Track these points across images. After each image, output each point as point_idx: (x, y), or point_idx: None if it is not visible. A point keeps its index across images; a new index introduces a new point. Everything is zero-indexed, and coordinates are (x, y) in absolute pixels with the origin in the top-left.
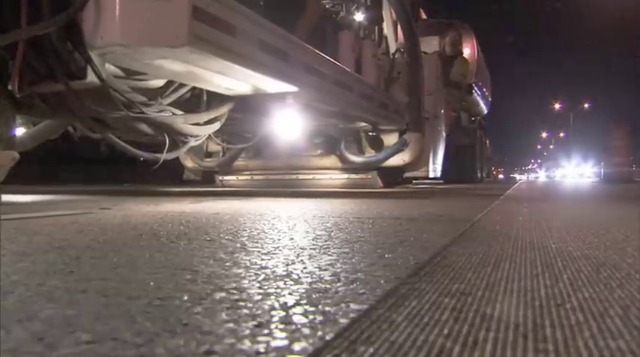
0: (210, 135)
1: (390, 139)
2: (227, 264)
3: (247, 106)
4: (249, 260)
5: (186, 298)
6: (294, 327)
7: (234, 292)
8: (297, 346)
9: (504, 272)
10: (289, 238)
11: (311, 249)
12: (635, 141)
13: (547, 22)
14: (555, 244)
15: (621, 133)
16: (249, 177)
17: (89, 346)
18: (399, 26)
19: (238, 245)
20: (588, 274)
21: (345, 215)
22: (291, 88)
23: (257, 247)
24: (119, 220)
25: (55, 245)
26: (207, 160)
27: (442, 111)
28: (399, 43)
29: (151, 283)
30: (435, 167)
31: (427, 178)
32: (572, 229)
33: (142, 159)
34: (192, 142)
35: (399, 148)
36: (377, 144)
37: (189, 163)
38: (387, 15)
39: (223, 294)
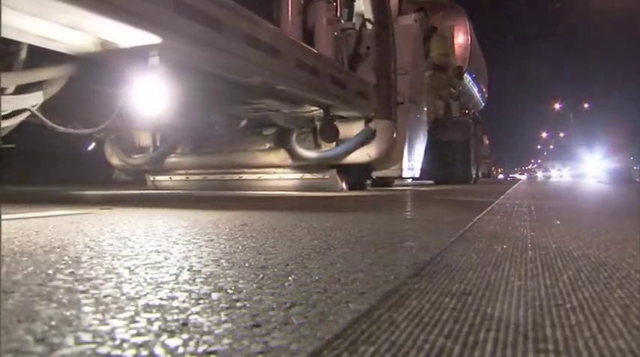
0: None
1: (354, 129)
2: None
3: (97, 71)
4: None
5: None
6: (293, 327)
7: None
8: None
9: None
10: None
11: None
12: (635, 141)
13: (547, 21)
14: None
15: (621, 133)
16: (184, 177)
17: (89, 346)
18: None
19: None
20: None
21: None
22: (151, 37)
23: None
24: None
25: (55, 245)
26: (135, 156)
27: (423, 95)
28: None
29: (151, 282)
30: (412, 165)
31: (401, 177)
32: None
33: None
34: None
35: (362, 140)
36: (331, 134)
37: (114, 160)
38: None
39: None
